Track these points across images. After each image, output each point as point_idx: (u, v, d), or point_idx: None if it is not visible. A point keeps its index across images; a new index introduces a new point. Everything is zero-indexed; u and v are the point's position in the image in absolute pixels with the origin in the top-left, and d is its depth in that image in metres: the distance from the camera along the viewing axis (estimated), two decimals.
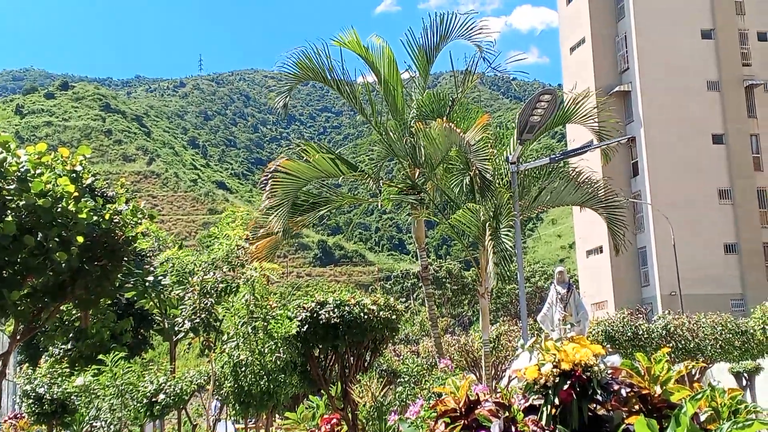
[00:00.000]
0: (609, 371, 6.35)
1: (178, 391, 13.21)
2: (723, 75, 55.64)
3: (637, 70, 54.91)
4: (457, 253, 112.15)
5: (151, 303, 14.49)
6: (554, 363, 6.27)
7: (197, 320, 12.67)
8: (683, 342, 24.37)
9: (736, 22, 56.58)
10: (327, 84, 18.86)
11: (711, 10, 56.11)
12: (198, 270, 13.63)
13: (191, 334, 12.56)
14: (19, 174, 9.97)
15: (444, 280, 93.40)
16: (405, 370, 15.59)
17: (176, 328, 12.77)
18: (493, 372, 23.94)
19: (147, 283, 11.62)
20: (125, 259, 11.55)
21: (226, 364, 11.56)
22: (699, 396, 6.27)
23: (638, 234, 53.89)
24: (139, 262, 12.06)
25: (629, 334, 24.72)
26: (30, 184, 9.93)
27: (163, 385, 13.02)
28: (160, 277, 12.09)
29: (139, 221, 11.90)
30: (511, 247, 15.28)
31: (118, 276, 11.69)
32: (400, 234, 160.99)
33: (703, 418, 6.27)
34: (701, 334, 24.48)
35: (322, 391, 13.87)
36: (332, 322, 13.13)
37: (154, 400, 13.06)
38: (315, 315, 13.23)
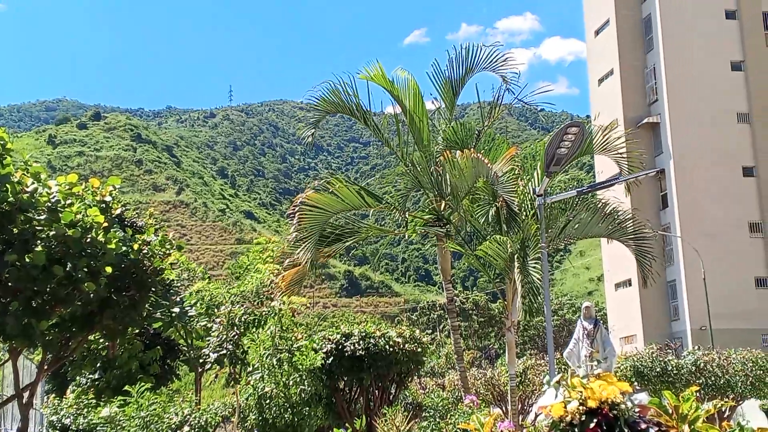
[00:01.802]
0: (636, 409, 6.27)
1: (203, 423, 13.18)
2: (753, 107, 55.25)
3: (666, 102, 54.67)
4: (484, 285, 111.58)
5: (178, 334, 14.55)
6: (580, 400, 6.22)
7: (223, 352, 12.70)
8: (713, 378, 23.98)
9: (766, 53, 56.27)
10: (353, 116, 18.96)
11: (741, 41, 55.88)
12: (226, 301, 13.69)
13: (217, 366, 12.58)
14: (50, 204, 10.11)
15: (470, 312, 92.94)
16: (430, 403, 15.48)
17: (202, 360, 12.80)
18: (519, 407, 23.68)
19: (174, 314, 11.67)
20: (153, 289, 11.63)
21: (250, 395, 11.56)
22: None
23: (668, 267, 53.33)
24: (167, 292, 12.13)
25: (658, 369, 24.37)
26: (60, 215, 10.05)
27: (188, 416, 13.01)
28: (187, 308, 12.15)
29: (168, 252, 11.98)
30: (538, 279, 15.18)
31: (146, 306, 11.76)
32: (426, 265, 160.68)
33: None
34: (731, 371, 24.08)
35: (347, 424, 13.82)
36: (357, 354, 13.13)
37: (178, 431, 13.05)
38: (340, 347, 13.23)
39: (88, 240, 10.25)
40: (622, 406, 6.12)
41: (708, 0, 55.89)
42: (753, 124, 55.08)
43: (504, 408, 25.57)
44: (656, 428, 6.16)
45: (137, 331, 15.36)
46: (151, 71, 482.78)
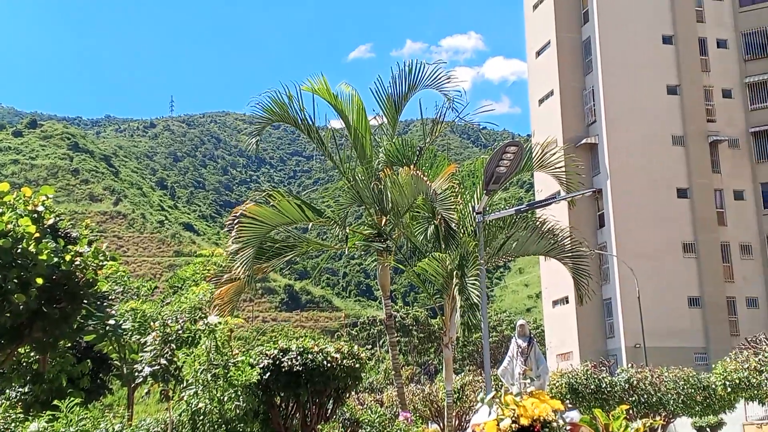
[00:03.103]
0: (568, 427, 6.35)
1: None
2: (688, 130, 56.75)
3: (603, 123, 55.80)
4: (424, 301, 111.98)
5: (111, 347, 14.27)
6: (513, 418, 6.27)
7: (157, 366, 12.47)
8: (646, 396, 24.43)
9: (701, 78, 57.89)
10: (297, 128, 18.94)
11: (677, 66, 57.40)
12: (161, 317, 13.46)
13: (150, 380, 12.35)
14: None
15: (411, 327, 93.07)
16: (367, 419, 15.44)
17: (135, 374, 12.56)
18: (456, 423, 23.78)
19: (107, 327, 11.44)
20: (85, 301, 11.37)
21: (184, 411, 11.36)
22: None
23: (604, 285, 54.26)
24: (100, 304, 11.88)
25: (592, 387, 24.73)
26: None
27: None
28: (121, 322, 11.91)
29: (102, 263, 11.74)
30: (477, 296, 15.28)
31: (78, 319, 11.49)
32: (367, 280, 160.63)
33: None
34: (664, 389, 24.58)
35: None
36: (295, 369, 12.99)
37: None
38: (277, 362, 13.09)
39: (19, 250, 9.99)
40: (554, 424, 6.19)
41: (646, 25, 57.31)
42: (687, 146, 56.55)
43: (441, 424, 25.65)
44: None
45: (69, 344, 15.00)
46: (90, 79, 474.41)
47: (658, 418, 23.51)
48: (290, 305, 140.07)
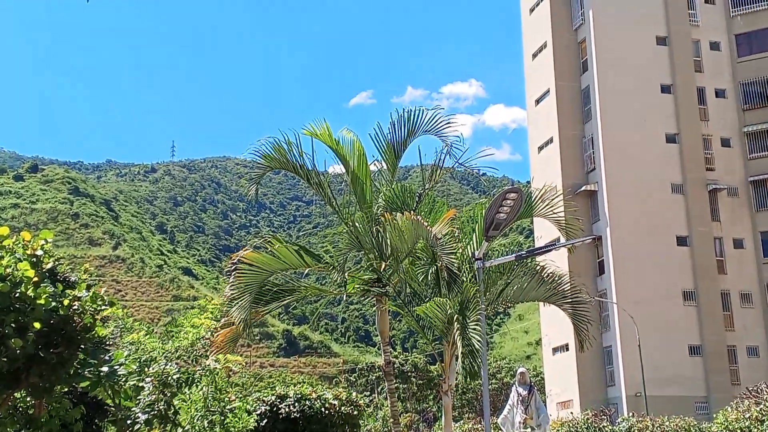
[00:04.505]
0: None
1: None
2: (687, 178, 56.98)
3: (603, 171, 56.05)
4: (423, 347, 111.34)
5: (105, 393, 14.12)
6: None
7: (153, 412, 12.32)
8: None
9: (700, 127, 58.31)
10: (297, 174, 18.94)
11: (675, 115, 57.85)
12: (159, 358, 13.34)
13: (146, 427, 12.19)
14: None
15: (409, 374, 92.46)
16: None
17: (130, 420, 12.40)
18: None
19: (101, 373, 11.31)
20: (82, 346, 11.28)
21: None
22: None
23: (604, 333, 54.01)
24: (96, 350, 11.78)
25: None
26: None
27: None
28: (116, 367, 11.79)
29: (99, 307, 11.68)
30: (478, 341, 15.20)
31: (74, 364, 11.39)
32: (366, 325, 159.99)
33: None
34: None
35: None
36: (292, 416, 12.91)
37: None
38: (275, 409, 13.01)
39: (17, 295, 9.94)
40: None
41: (645, 74, 57.87)
42: (687, 194, 56.74)
43: None
44: None
45: (65, 389, 14.84)
46: (91, 124, 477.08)
47: None
48: (288, 351, 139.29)
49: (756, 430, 21.45)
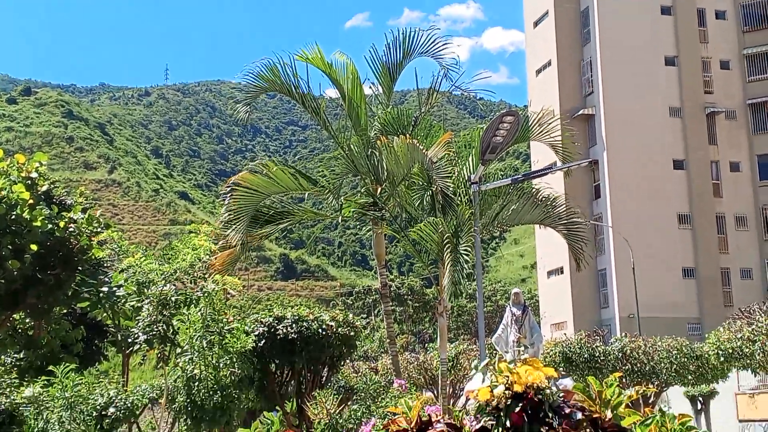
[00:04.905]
0: (561, 394, 6.36)
1: (129, 405, 12.99)
2: (685, 102, 56.60)
3: (601, 95, 55.62)
4: (420, 270, 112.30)
5: (105, 314, 14.29)
6: (507, 385, 6.28)
7: (153, 332, 12.50)
8: (639, 365, 24.59)
9: (699, 50, 57.65)
10: (291, 97, 18.83)
11: (675, 37, 57.10)
12: (158, 280, 13.46)
13: (146, 347, 12.39)
14: None
15: (406, 297, 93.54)
16: (361, 387, 15.53)
17: (129, 340, 12.59)
18: (450, 391, 23.92)
19: (101, 294, 11.44)
20: (79, 268, 11.38)
21: (179, 377, 11.40)
22: (649, 421, 6.32)
23: (599, 256, 54.41)
24: (94, 271, 11.89)
25: (586, 355, 24.89)
26: None
27: (114, 398, 12.80)
28: (114, 288, 11.92)
29: (96, 230, 11.73)
30: (469, 263, 15.31)
31: (72, 285, 11.49)
32: (363, 250, 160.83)
33: None
34: (657, 358, 24.73)
35: (278, 407, 13.77)
36: (290, 337, 13.06)
37: (104, 413, 12.84)
38: (272, 330, 13.15)
39: (13, 217, 9.97)
40: (547, 391, 6.21)
41: None
42: (684, 118, 56.46)
43: (435, 392, 25.81)
44: (580, 412, 6.26)
45: (64, 311, 15.03)
46: (84, 46, 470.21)
47: (651, 386, 23.68)
48: (286, 274, 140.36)
49: (747, 349, 21.79)
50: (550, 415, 6.18)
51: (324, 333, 13.29)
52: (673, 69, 57.03)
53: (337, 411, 12.00)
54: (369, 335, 75.76)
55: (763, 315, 16.00)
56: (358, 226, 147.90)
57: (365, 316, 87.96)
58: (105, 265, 14.27)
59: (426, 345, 59.95)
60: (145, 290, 12.67)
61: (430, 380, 29.46)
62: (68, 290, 11.29)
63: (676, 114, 56.61)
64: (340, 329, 13.63)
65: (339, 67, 18.69)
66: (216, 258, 16.03)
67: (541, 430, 6.18)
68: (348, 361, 20.42)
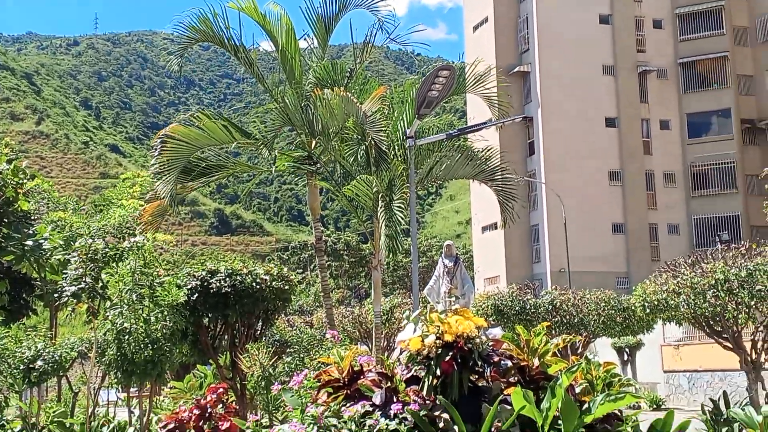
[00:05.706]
0: (490, 343, 6.47)
1: (57, 358, 12.81)
2: (618, 60, 57.41)
3: (536, 52, 56.02)
4: (356, 226, 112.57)
5: (31, 268, 13.97)
6: (437, 334, 6.36)
7: (81, 285, 12.25)
8: (568, 317, 25.17)
9: (633, 8, 58.36)
10: (225, 48, 18.46)
11: None
12: (86, 234, 13.17)
13: (74, 300, 12.16)
14: None
15: (342, 252, 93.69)
16: (295, 340, 15.57)
17: (58, 293, 12.33)
18: (385, 344, 24.19)
19: (26, 247, 11.16)
20: (5, 221, 11.05)
21: (108, 331, 11.25)
22: (575, 369, 6.47)
23: (531, 212, 55.27)
24: (19, 224, 11.56)
25: (517, 308, 25.37)
26: None
27: (41, 351, 12.60)
28: (40, 241, 11.63)
29: (21, 181, 11.39)
30: (402, 219, 15.37)
31: None
32: (299, 205, 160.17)
33: (578, 389, 6.47)
34: (585, 310, 25.33)
35: (211, 361, 13.71)
36: (223, 291, 12.95)
37: (31, 366, 12.64)
38: (205, 283, 13.02)
39: None
40: (477, 340, 6.31)
41: None
42: (617, 76, 57.30)
43: (370, 345, 26.05)
44: (509, 360, 6.37)
45: None
46: None
47: (579, 337, 24.32)
48: (220, 229, 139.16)
49: (672, 302, 22.39)
50: (480, 363, 6.28)
51: (258, 287, 13.20)
52: (607, 27, 57.70)
53: (271, 364, 12.00)
54: (304, 290, 75.86)
55: (688, 268, 16.46)
56: (295, 182, 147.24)
57: (301, 271, 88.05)
58: (33, 218, 13.92)
59: (362, 300, 60.42)
60: (73, 244, 12.38)
61: (365, 334, 29.70)
62: None
63: (610, 72, 57.42)
64: (274, 283, 13.56)
65: (273, 18, 18.37)
66: (143, 209, 15.79)
67: (471, 377, 6.28)
68: (283, 315, 20.43)
